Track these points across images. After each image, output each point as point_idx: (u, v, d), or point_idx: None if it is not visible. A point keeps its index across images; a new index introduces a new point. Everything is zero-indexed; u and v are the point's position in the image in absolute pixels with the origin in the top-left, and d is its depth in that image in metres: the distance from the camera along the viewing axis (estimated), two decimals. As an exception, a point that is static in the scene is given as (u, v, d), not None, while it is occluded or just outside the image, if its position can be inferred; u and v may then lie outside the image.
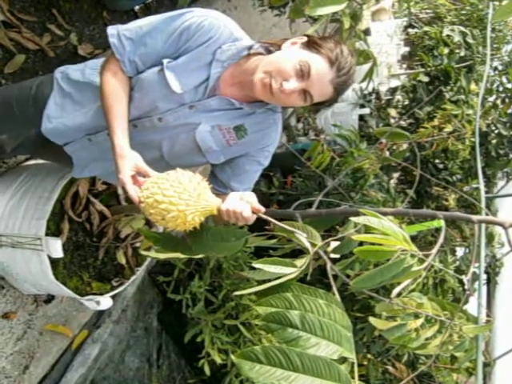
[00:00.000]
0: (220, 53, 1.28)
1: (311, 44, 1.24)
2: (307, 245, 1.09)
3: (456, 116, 3.22)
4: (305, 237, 1.12)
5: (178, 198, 1.05)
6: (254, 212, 1.11)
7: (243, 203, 1.10)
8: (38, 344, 2.14)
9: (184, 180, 1.07)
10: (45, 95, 1.41)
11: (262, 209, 1.12)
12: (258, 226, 1.49)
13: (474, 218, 1.13)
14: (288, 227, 1.13)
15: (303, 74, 1.20)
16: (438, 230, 2.87)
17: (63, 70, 1.43)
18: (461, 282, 2.82)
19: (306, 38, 1.27)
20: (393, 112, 4.05)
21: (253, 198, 1.12)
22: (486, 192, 3.14)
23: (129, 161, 1.17)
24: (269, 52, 1.30)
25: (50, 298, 2.19)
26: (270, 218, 1.13)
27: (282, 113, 1.47)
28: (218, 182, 1.45)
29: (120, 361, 2.57)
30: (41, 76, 1.50)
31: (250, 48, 1.30)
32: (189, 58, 1.27)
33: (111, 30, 1.29)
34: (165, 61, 1.27)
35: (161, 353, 2.87)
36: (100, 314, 2.51)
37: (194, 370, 2.93)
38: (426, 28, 4.05)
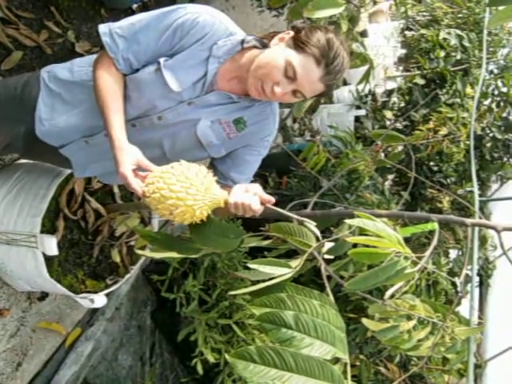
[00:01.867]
0: (216, 49, 1.27)
1: (297, 41, 1.23)
2: (316, 231, 1.10)
3: (451, 119, 3.24)
4: (314, 225, 1.12)
5: (186, 193, 1.05)
6: (262, 203, 1.11)
7: (251, 195, 1.10)
8: (31, 341, 2.14)
9: (190, 174, 1.07)
10: (32, 96, 1.38)
11: (272, 199, 1.12)
12: (253, 226, 1.50)
13: (468, 221, 1.14)
14: (297, 216, 1.13)
15: (290, 75, 1.21)
16: (431, 231, 2.89)
17: (50, 69, 1.41)
18: (453, 284, 2.84)
19: (292, 33, 1.26)
20: (388, 114, 4.05)
21: (259, 190, 1.12)
22: (480, 195, 3.16)
23: (128, 154, 1.16)
24: (262, 44, 1.30)
25: (43, 296, 2.19)
26: (280, 210, 1.14)
27: (278, 104, 1.48)
28: (218, 173, 1.44)
29: (113, 359, 2.57)
30: (26, 74, 1.47)
31: (242, 42, 1.30)
32: (185, 56, 1.27)
33: (103, 29, 1.27)
34: (161, 60, 1.26)
35: (154, 351, 2.87)
36: (93, 311, 2.51)
37: (187, 369, 2.93)
38: (423, 31, 4.06)
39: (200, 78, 1.30)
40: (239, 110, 1.38)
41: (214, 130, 1.37)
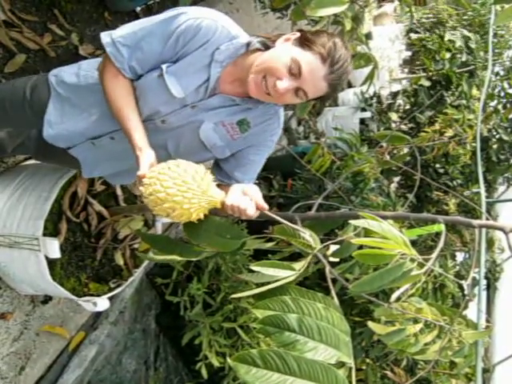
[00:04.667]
0: (218, 53, 1.26)
1: (303, 40, 1.23)
2: (310, 240, 1.08)
3: (457, 121, 3.22)
4: (308, 234, 1.11)
5: (182, 197, 1.04)
6: (257, 208, 1.11)
7: (247, 199, 1.09)
8: (35, 345, 2.13)
9: (187, 178, 1.06)
10: (41, 100, 1.39)
11: (266, 206, 1.12)
12: (257, 228, 1.49)
13: (475, 222, 1.12)
14: (291, 224, 1.12)
15: (295, 72, 1.20)
16: (438, 234, 2.86)
17: (56, 73, 1.40)
18: (460, 287, 2.81)
19: (298, 34, 1.25)
20: (394, 116, 4.04)
21: (257, 194, 1.11)
22: (487, 197, 3.13)
23: (149, 157, 1.18)
24: (266, 47, 1.29)
25: (47, 299, 2.18)
26: (274, 216, 1.12)
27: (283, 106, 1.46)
28: (222, 172, 1.44)
29: (117, 363, 2.55)
30: (33, 77, 1.47)
31: (248, 45, 1.29)
32: (187, 62, 1.26)
33: (105, 39, 1.26)
34: (164, 66, 1.25)
35: (158, 355, 2.86)
36: (97, 315, 2.50)
37: (192, 373, 2.91)
38: (428, 34, 4.05)
39: (203, 83, 1.29)
40: (242, 112, 1.37)
41: (218, 131, 1.36)
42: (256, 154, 1.45)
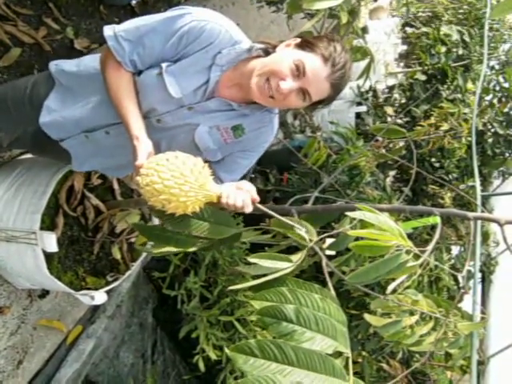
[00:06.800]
0: (220, 58, 1.27)
1: (304, 44, 1.25)
2: (305, 236, 1.09)
3: (452, 114, 3.22)
4: (303, 231, 1.12)
5: (180, 189, 1.05)
6: (252, 202, 1.12)
7: (242, 194, 1.10)
8: (32, 339, 2.14)
9: (185, 171, 1.06)
10: (40, 96, 1.40)
11: (257, 198, 1.13)
12: (254, 221, 1.49)
13: (470, 214, 1.13)
14: (286, 220, 1.13)
15: (299, 72, 1.21)
16: (433, 228, 2.88)
17: (57, 62, 1.42)
18: (456, 280, 2.83)
19: (299, 39, 1.28)
20: (389, 110, 4.04)
21: (251, 188, 1.12)
22: (482, 191, 3.14)
23: (146, 148, 1.19)
24: (267, 54, 1.30)
25: (44, 293, 2.18)
26: (267, 210, 1.13)
27: (279, 112, 1.47)
28: None
29: (114, 356, 2.56)
30: (35, 74, 1.49)
31: (249, 51, 1.30)
32: (188, 63, 1.27)
33: (108, 32, 1.27)
34: (163, 65, 1.26)
35: (155, 349, 2.87)
36: (95, 309, 2.50)
37: (189, 366, 2.93)
38: (424, 29, 4.05)
39: (202, 85, 1.30)
40: (238, 117, 1.38)
41: (212, 135, 1.37)
42: (245, 159, 1.47)
